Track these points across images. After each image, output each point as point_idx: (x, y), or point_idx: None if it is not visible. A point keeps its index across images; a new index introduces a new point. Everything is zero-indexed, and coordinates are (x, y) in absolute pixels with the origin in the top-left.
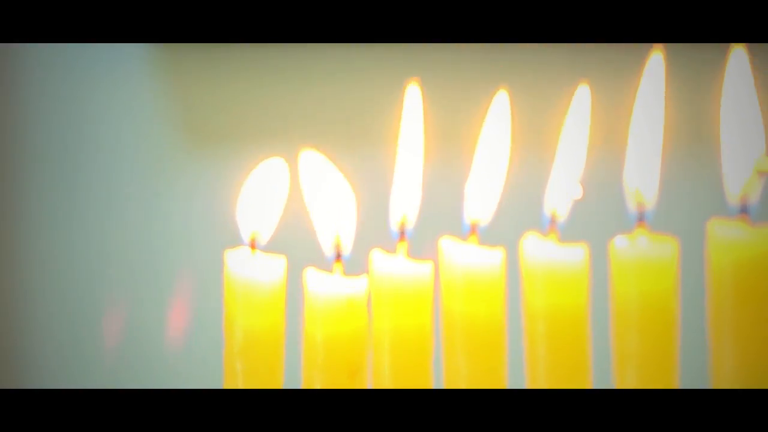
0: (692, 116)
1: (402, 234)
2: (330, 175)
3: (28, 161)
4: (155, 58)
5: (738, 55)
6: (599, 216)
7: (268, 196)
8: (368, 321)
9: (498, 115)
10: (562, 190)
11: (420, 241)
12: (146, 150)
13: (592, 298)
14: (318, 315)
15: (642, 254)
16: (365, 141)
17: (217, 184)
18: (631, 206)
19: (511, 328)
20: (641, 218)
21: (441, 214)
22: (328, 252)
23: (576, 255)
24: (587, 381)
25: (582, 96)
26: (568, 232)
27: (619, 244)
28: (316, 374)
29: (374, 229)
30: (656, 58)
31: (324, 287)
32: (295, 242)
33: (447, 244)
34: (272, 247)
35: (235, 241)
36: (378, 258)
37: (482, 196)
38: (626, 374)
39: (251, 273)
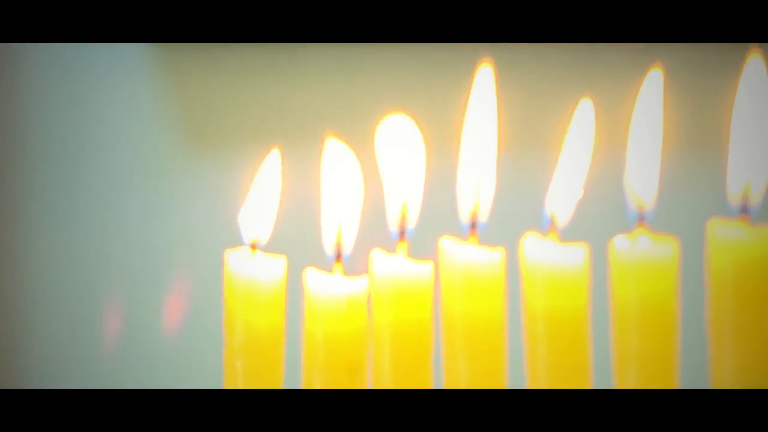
0: (692, 116)
1: (402, 234)
2: (346, 168)
3: (28, 161)
4: (155, 58)
5: (756, 59)
6: (599, 216)
7: (269, 193)
8: (368, 320)
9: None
10: (564, 193)
11: (420, 241)
12: (146, 150)
13: (592, 298)
14: (318, 314)
15: (642, 254)
16: (366, 141)
17: (216, 184)
18: (632, 206)
19: (511, 328)
20: (641, 218)
21: (441, 214)
22: (329, 249)
23: (576, 255)
24: (587, 381)
25: (587, 103)
26: (568, 232)
27: (620, 244)
28: (316, 373)
29: (374, 229)
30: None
31: (324, 287)
32: (295, 242)
33: (447, 244)
34: (272, 247)
35: (235, 241)
36: (378, 258)
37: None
38: (626, 374)
39: (251, 272)
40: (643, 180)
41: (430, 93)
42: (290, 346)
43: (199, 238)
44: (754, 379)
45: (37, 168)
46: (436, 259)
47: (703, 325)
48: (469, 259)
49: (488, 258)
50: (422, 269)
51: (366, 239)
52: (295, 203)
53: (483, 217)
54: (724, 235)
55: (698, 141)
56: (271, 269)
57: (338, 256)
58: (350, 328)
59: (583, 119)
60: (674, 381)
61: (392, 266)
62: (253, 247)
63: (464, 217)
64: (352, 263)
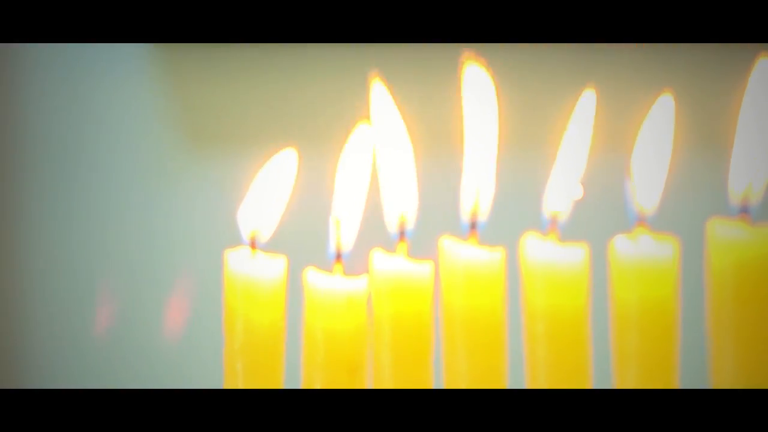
0: (693, 117)
1: (402, 234)
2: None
3: (28, 161)
4: (155, 58)
5: (766, 60)
6: (599, 216)
7: (273, 191)
8: (368, 319)
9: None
10: (562, 191)
11: (420, 241)
12: (146, 150)
13: (592, 298)
14: (318, 313)
15: (642, 254)
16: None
17: (217, 184)
18: (633, 207)
19: (511, 328)
20: (641, 218)
21: (441, 214)
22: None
23: (576, 255)
24: (587, 381)
25: (586, 98)
26: (568, 232)
27: (620, 244)
28: (316, 372)
29: (374, 229)
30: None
31: (324, 286)
32: (295, 242)
33: (447, 244)
34: (272, 247)
35: (236, 241)
36: (378, 258)
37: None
38: (626, 374)
39: (252, 271)
40: (646, 182)
41: (431, 93)
42: (290, 346)
43: (199, 238)
44: (754, 379)
45: (37, 168)
46: (436, 259)
47: (703, 325)
48: (469, 258)
49: (488, 258)
50: (422, 269)
51: (366, 239)
52: (295, 203)
53: (483, 217)
54: (724, 235)
55: (699, 141)
56: (272, 269)
57: (338, 256)
58: (350, 328)
59: (583, 108)
60: (674, 381)
61: (392, 266)
62: (253, 246)
63: (464, 217)
64: (352, 263)
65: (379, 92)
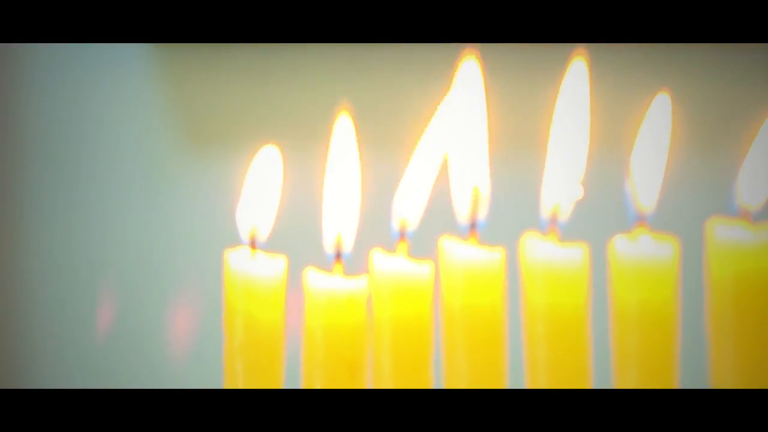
0: (692, 116)
1: (402, 234)
2: (348, 165)
3: (28, 161)
4: (155, 58)
5: None
6: (599, 216)
7: (266, 187)
8: (368, 320)
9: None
10: (562, 190)
11: (420, 241)
12: (146, 150)
13: (592, 298)
14: (318, 313)
15: (642, 254)
16: (366, 141)
17: (217, 184)
18: (633, 208)
19: (511, 328)
20: (641, 218)
21: (441, 214)
22: (329, 249)
23: (576, 255)
24: (587, 381)
25: (583, 96)
26: (568, 232)
27: (619, 244)
28: (316, 372)
29: (374, 229)
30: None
31: (324, 286)
32: (295, 242)
33: (447, 244)
34: (272, 247)
35: (236, 240)
36: (378, 258)
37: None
38: (626, 374)
39: (252, 271)
40: (645, 182)
41: (430, 93)
42: (290, 346)
43: (199, 238)
44: (754, 379)
45: (37, 168)
46: (436, 259)
47: (703, 325)
48: (469, 258)
49: (488, 258)
50: (422, 269)
51: (366, 239)
52: (295, 203)
53: (483, 217)
54: (724, 235)
55: (699, 142)
56: (272, 268)
57: (338, 256)
58: (350, 328)
59: (580, 107)
60: (674, 381)
61: (392, 266)
62: (253, 246)
63: (464, 217)
64: (352, 263)
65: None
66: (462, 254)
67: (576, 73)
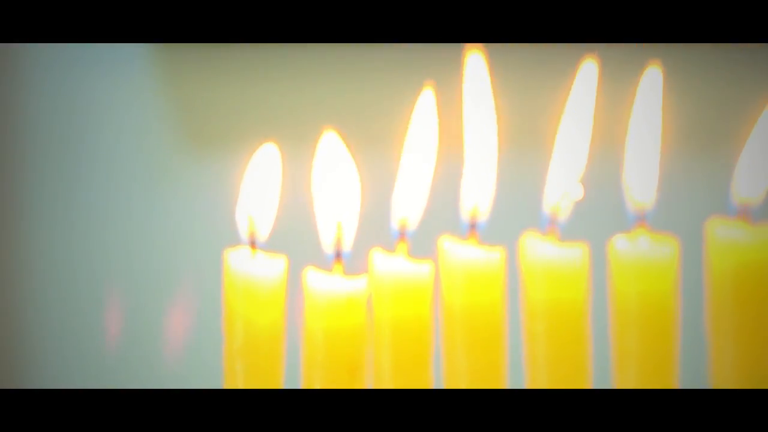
0: (692, 116)
1: (402, 234)
2: (342, 164)
3: (28, 161)
4: (155, 58)
5: None
6: (599, 216)
7: (266, 185)
8: (368, 319)
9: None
10: (562, 190)
11: (420, 241)
12: (146, 150)
13: (592, 297)
14: (318, 313)
15: (642, 254)
16: (366, 141)
17: (217, 184)
18: (630, 207)
19: (511, 327)
20: (641, 218)
21: (441, 214)
22: (328, 248)
23: (575, 254)
24: (587, 381)
25: (589, 97)
26: (568, 232)
27: (619, 243)
28: (316, 372)
29: (374, 229)
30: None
31: (324, 286)
32: (295, 242)
33: (447, 244)
34: (272, 247)
35: (235, 240)
36: (378, 257)
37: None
38: (626, 374)
39: (252, 270)
40: (642, 181)
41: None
42: (290, 346)
43: (199, 238)
44: (754, 379)
45: (37, 168)
46: (436, 259)
47: (702, 324)
48: (468, 258)
49: (488, 257)
50: (422, 269)
51: (366, 239)
52: (295, 203)
53: (483, 217)
54: (723, 235)
55: (698, 141)
56: (271, 269)
57: (338, 256)
58: (350, 328)
59: (579, 105)
60: (674, 381)
61: (392, 266)
62: (253, 246)
63: (464, 217)
64: (352, 263)
65: (425, 99)
66: (462, 254)
67: (585, 74)
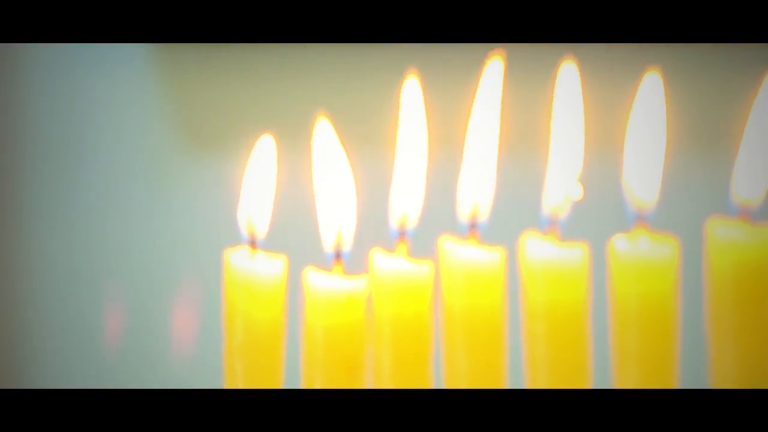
0: (692, 116)
1: (402, 233)
2: (341, 164)
3: (28, 161)
4: (155, 58)
5: None
6: (599, 216)
7: (265, 183)
8: (368, 319)
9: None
10: (561, 190)
11: (420, 241)
12: (146, 149)
13: (592, 298)
14: (318, 313)
15: (642, 254)
16: (366, 140)
17: (217, 184)
18: (631, 207)
19: (511, 327)
20: (641, 218)
21: (441, 214)
22: (328, 248)
23: (575, 254)
24: (587, 380)
25: (576, 93)
26: (567, 232)
27: (619, 243)
28: (316, 371)
29: (374, 229)
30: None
31: (324, 286)
32: (295, 242)
33: (447, 244)
34: (272, 247)
35: (236, 240)
36: (378, 257)
37: (477, 190)
38: (626, 374)
39: (252, 269)
40: (641, 181)
41: (429, 93)
42: (290, 345)
43: (199, 238)
44: (754, 379)
45: (37, 168)
46: (436, 259)
47: (702, 324)
48: (468, 258)
49: (488, 257)
50: (422, 269)
51: (366, 239)
52: (295, 203)
53: (483, 217)
54: (723, 235)
55: (698, 141)
56: (272, 268)
57: (338, 256)
58: (350, 327)
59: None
60: (674, 380)
61: (392, 266)
62: (253, 246)
63: (464, 217)
64: (352, 263)
65: (410, 91)
66: (462, 254)
67: (568, 75)
